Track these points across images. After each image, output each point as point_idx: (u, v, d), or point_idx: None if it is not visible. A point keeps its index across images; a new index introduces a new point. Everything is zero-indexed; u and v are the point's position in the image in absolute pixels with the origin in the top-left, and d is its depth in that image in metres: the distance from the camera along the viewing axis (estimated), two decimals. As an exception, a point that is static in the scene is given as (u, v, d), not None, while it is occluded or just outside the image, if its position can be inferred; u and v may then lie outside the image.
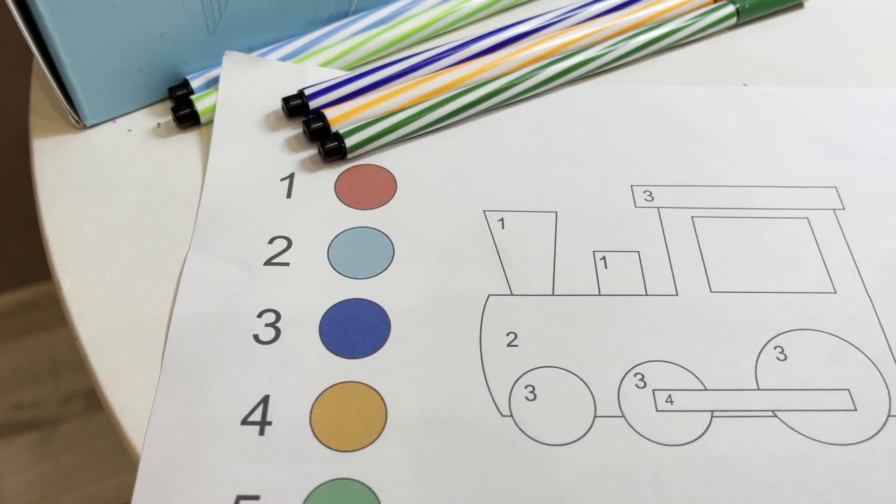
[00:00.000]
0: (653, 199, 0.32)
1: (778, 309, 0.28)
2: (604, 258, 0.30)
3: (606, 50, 0.35)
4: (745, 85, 0.36)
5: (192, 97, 0.33)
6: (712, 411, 0.26)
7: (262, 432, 0.25)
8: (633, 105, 0.35)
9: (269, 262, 0.29)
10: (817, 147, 0.34)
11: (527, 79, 0.34)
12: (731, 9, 0.38)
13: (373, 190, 0.32)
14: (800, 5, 0.40)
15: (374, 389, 0.26)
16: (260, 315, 0.28)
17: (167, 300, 0.28)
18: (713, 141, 0.34)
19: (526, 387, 0.26)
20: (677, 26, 0.37)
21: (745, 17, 0.38)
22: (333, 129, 0.32)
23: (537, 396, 0.26)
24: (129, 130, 0.34)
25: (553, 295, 0.29)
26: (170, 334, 0.27)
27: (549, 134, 0.34)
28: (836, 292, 0.29)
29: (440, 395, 0.26)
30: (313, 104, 0.33)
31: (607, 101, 0.35)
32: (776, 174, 0.33)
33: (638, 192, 0.32)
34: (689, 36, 0.37)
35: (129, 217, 0.31)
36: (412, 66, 0.34)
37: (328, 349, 0.27)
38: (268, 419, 0.25)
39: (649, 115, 0.35)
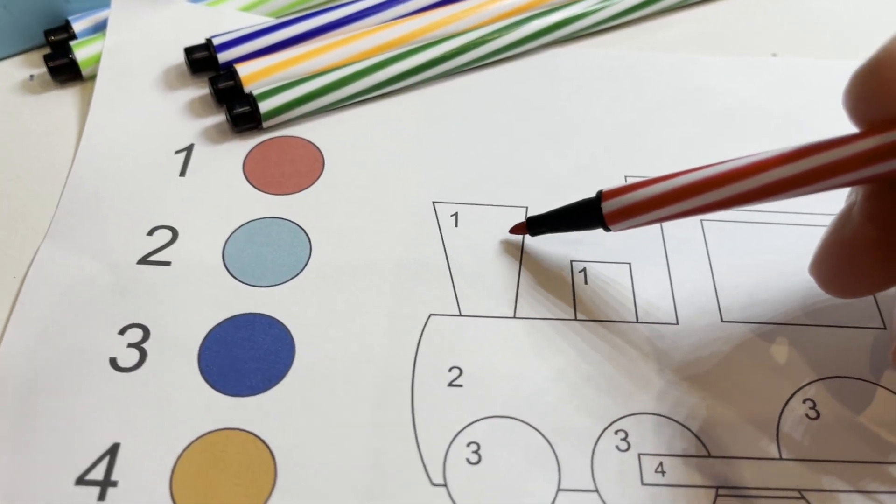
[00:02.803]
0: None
1: None
2: (583, 270, 0.23)
3: (601, 4, 0.28)
4: (774, 55, 0.29)
5: (73, 43, 0.26)
6: (717, 488, 0.19)
7: (102, 496, 0.18)
8: (634, 74, 0.28)
9: (144, 260, 0.22)
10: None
11: (498, 36, 0.27)
12: (759, -41, 0.30)
13: (292, 170, 0.25)
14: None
15: (262, 441, 0.19)
16: (123, 331, 0.21)
17: (4, 307, 0.21)
18: (729, 117, 0.27)
19: (469, 444, 0.20)
20: (692, -22, 0.29)
21: (776, -30, 0.31)
22: (247, 89, 0.25)
23: (482, 458, 0.19)
24: (-7, 83, 0.27)
25: (515, 317, 0.22)
26: (-1, 353, 0.20)
27: (525, 108, 0.27)
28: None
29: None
30: (224, 57, 0.26)
31: (601, 68, 0.28)
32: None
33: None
34: (707, -9, 0.30)
35: (-26, 194, 0.24)
36: (353, 13, 0.27)
37: (207, 382, 0.20)
38: (113, 478, 0.19)
39: (655, 87, 0.28)
